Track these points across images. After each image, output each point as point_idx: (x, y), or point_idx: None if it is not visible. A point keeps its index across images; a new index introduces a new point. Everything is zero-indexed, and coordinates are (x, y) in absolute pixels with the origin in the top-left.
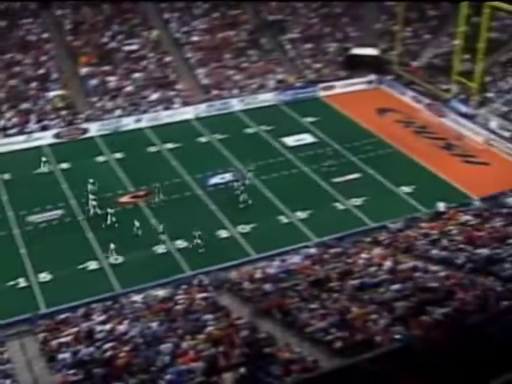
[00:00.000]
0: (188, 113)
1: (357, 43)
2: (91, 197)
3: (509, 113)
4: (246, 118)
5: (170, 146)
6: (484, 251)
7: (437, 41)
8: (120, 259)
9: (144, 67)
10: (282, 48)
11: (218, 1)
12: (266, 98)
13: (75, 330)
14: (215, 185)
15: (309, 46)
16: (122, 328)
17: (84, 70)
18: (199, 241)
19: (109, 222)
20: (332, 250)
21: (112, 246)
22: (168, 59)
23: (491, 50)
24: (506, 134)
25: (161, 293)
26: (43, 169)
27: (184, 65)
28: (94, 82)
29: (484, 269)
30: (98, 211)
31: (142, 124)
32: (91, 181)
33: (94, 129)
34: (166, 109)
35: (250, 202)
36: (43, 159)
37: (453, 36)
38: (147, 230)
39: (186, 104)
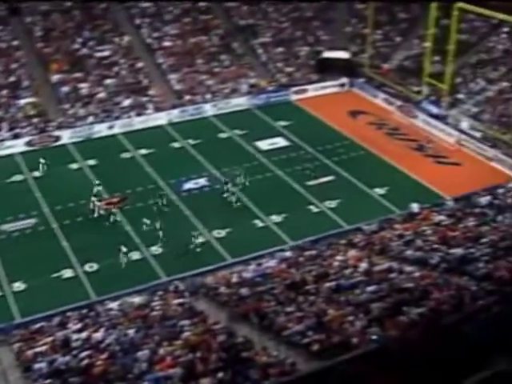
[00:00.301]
0: (161, 118)
1: (328, 47)
2: (94, 198)
3: (479, 113)
4: (219, 122)
5: (143, 151)
6: (458, 251)
7: (407, 43)
8: (95, 266)
9: (116, 73)
10: (253, 52)
11: (189, 6)
12: (239, 103)
13: (51, 339)
14: (189, 190)
15: (280, 49)
16: (98, 336)
17: (55, 77)
18: (197, 241)
19: (112, 220)
20: (307, 253)
21: (124, 248)
22: (140, 65)
23: (461, 52)
24: (477, 134)
25: (137, 300)
26: (40, 171)
27: (156, 70)
28: (65, 88)
29: (458, 268)
30: (102, 212)
31: (115, 130)
32: (97, 182)
33: (66, 136)
34: (139, 115)
35: (238, 203)
36: (42, 161)
37: (423, 38)
38: (122, 237)
39: (158, 109)
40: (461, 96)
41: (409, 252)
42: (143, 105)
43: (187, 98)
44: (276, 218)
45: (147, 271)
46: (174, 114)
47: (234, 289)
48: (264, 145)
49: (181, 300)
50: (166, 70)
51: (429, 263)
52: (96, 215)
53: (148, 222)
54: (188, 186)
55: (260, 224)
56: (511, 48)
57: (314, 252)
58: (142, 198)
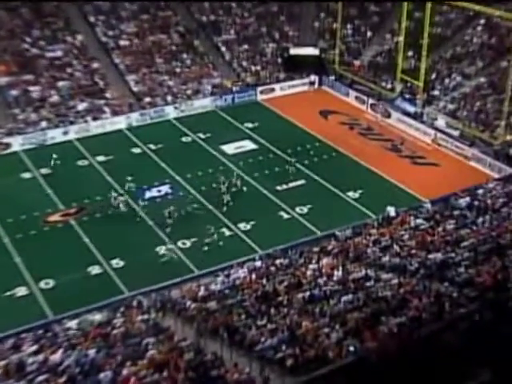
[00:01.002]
0: (119, 122)
1: (296, 43)
2: (116, 194)
3: (456, 111)
4: (181, 125)
5: (101, 158)
6: (437, 256)
7: (379, 38)
8: (51, 283)
9: (70, 75)
10: (217, 50)
11: (147, 2)
12: (203, 104)
13: (4, 362)
14: (151, 198)
15: (245, 47)
16: (55, 358)
17: (3, 80)
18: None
19: (140, 215)
20: (278, 262)
21: (170, 246)
22: (95, 65)
23: (435, 46)
24: (454, 132)
25: (97, 317)
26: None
27: (113, 71)
28: (14, 92)
29: (438, 274)
30: (124, 208)
31: (70, 136)
32: (130, 178)
33: (17, 143)
34: (96, 119)
35: (230, 203)
36: (54, 156)
37: (395, 32)
38: (81, 250)
39: (116, 113)
40: (436, 92)
41: (385, 258)
42: (100, 108)
43: (147, 100)
44: (245, 226)
45: (108, 286)
46: (134, 118)
47: (202, 302)
48: (230, 148)
49: (145, 316)
50: (124, 70)
51: (407, 270)
52: (123, 209)
53: (172, 208)
54: (150, 194)
55: (228, 232)
56: (488, 41)
57: (285, 261)
58: (101, 207)
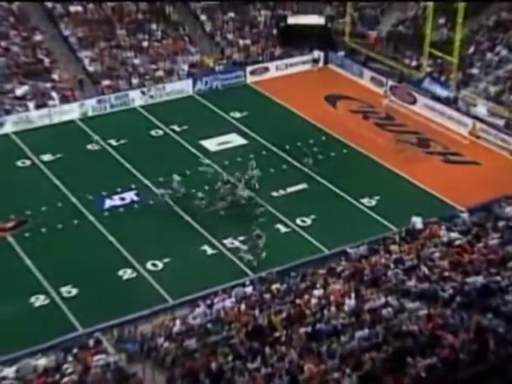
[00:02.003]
0: (71, 111)
1: (295, 10)
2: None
3: (500, 94)
4: (150, 115)
5: (47, 157)
6: (478, 279)
7: (401, 2)
8: None
9: (5, 50)
10: (195, 19)
11: None
12: (177, 88)
13: None
14: (113, 208)
15: (231, 15)
16: None
17: None
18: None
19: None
20: (275, 288)
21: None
22: (38, 38)
23: (474, 11)
24: (499, 121)
25: (42, 362)
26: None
27: (62, 46)
28: None
29: (479, 303)
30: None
31: (6, 129)
32: (177, 178)
33: None
34: (40, 107)
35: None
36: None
37: None
38: (20, 275)
39: (67, 99)
40: (475, 71)
41: (411, 283)
42: (45, 93)
43: (106, 83)
44: (231, 243)
45: (56, 321)
46: (89, 106)
47: (178, 340)
48: (212, 144)
49: (104, 358)
50: (76, 44)
51: (438, 297)
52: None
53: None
54: (111, 202)
55: (210, 250)
56: None
57: (283, 286)
58: (47, 220)
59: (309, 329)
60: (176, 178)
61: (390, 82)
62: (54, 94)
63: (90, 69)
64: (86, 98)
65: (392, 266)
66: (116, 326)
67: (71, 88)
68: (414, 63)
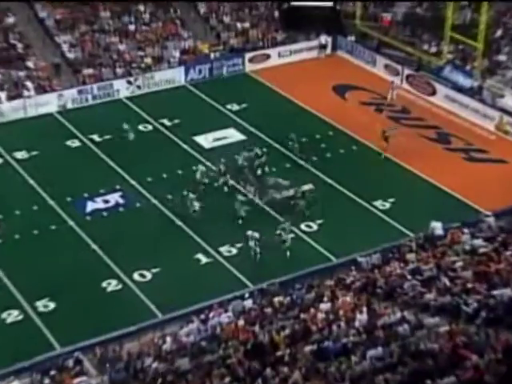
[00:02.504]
0: (49, 103)
1: None
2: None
3: None
4: (138, 108)
5: (21, 155)
6: (505, 292)
7: None
8: None
9: None
10: (188, 1)
11: None
12: (168, 78)
13: None
14: (96, 211)
15: None
16: None
17: None
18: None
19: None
20: (277, 301)
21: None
22: (11, 21)
23: None
24: None
25: None
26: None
27: (37, 29)
28: None
29: (507, 319)
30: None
31: None
32: (203, 169)
33: None
34: (13, 98)
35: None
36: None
37: None
38: None
39: (44, 90)
40: (502, 58)
41: (430, 296)
42: (19, 83)
43: (87, 71)
44: (229, 251)
45: (32, 339)
46: (69, 97)
47: (168, 360)
48: (207, 140)
49: (84, 379)
50: (53, 28)
51: (461, 312)
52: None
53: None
54: (93, 205)
55: (205, 259)
56: None
57: (287, 299)
58: (21, 225)
59: (315, 347)
60: (201, 168)
61: (407, 71)
62: (28, 83)
63: (70, 55)
64: (65, 88)
65: (409, 276)
66: (99, 345)
67: (48, 77)
68: (433, 49)
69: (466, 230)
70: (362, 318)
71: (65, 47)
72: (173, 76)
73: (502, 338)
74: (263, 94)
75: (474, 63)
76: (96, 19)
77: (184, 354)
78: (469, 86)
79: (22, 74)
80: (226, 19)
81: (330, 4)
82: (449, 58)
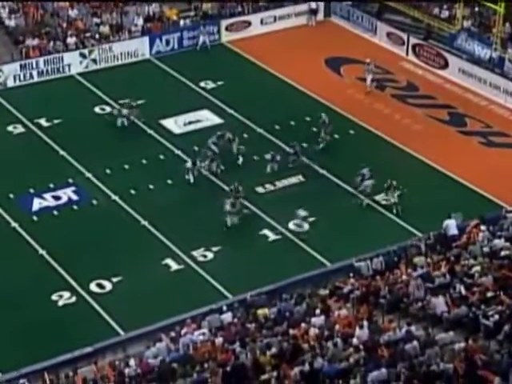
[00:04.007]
0: None
1: None
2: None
3: None
4: (93, 86)
5: None
6: None
7: None
8: None
9: None
10: None
11: None
12: (129, 50)
13: None
14: (44, 210)
15: None
16: None
17: None
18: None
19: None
20: (261, 314)
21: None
22: None
23: None
24: None
25: None
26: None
27: None
28: None
29: None
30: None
31: None
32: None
33: None
34: None
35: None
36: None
37: None
38: None
39: None
40: None
41: (442, 307)
42: None
43: (31, 42)
44: (203, 255)
45: None
46: (9, 73)
47: None
48: (177, 124)
49: None
50: None
51: (480, 326)
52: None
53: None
54: (41, 203)
55: (175, 265)
56: None
57: (272, 312)
58: None
59: (306, 368)
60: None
61: (413, 40)
62: None
63: (10, 23)
64: (4, 62)
65: (417, 283)
66: (48, 370)
67: None
68: (444, 14)
69: (484, 228)
70: (362, 333)
71: (3, 13)
72: (135, 48)
73: None
74: (243, 69)
75: (493, 30)
76: None
77: (151, 379)
78: (487, 57)
79: None
80: None
81: None
82: (463, 25)
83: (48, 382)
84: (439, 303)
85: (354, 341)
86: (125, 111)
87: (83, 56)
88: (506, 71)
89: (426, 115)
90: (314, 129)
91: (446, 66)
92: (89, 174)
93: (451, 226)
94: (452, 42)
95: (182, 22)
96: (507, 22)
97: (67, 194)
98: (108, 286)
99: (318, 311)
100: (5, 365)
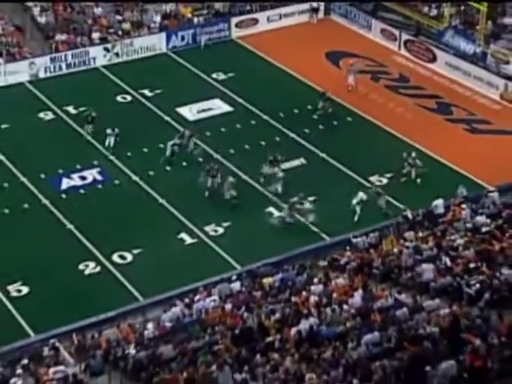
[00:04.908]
0: (19, 72)
1: None
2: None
3: None
4: (115, 77)
5: None
6: (510, 273)
7: None
8: None
9: None
10: None
11: None
12: (148, 44)
13: None
14: (72, 189)
15: None
16: None
17: None
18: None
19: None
20: (266, 283)
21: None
22: None
23: None
24: None
25: None
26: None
27: None
28: None
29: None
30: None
31: None
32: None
33: None
34: None
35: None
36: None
37: None
38: None
39: (13, 58)
40: (508, 20)
41: (429, 276)
42: None
43: (60, 37)
44: (214, 230)
45: (2, 326)
46: (41, 65)
47: (150, 347)
48: (191, 112)
49: (61, 369)
50: None
51: (463, 294)
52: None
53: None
54: (69, 182)
55: (189, 239)
56: None
57: (276, 281)
58: None
59: (307, 332)
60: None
61: (405, 36)
62: None
63: (41, 20)
64: (36, 56)
65: (407, 256)
66: (76, 332)
67: (18, 43)
68: (433, 12)
69: (465, 206)
70: (356, 301)
71: (35, 11)
72: (153, 43)
73: (507, 321)
74: (251, 62)
75: (477, 27)
76: None
77: (167, 340)
78: (471, 51)
79: None
80: None
81: None
82: (450, 22)
83: (76, 342)
84: (428, 269)
85: (350, 307)
86: None
87: (107, 50)
88: (488, 65)
89: (416, 104)
90: (315, 116)
91: (434, 59)
92: (111, 157)
93: (439, 205)
94: (440, 38)
95: (195, 20)
96: (490, 20)
97: (92, 174)
98: (129, 257)
99: (317, 280)
100: (38, 326)
